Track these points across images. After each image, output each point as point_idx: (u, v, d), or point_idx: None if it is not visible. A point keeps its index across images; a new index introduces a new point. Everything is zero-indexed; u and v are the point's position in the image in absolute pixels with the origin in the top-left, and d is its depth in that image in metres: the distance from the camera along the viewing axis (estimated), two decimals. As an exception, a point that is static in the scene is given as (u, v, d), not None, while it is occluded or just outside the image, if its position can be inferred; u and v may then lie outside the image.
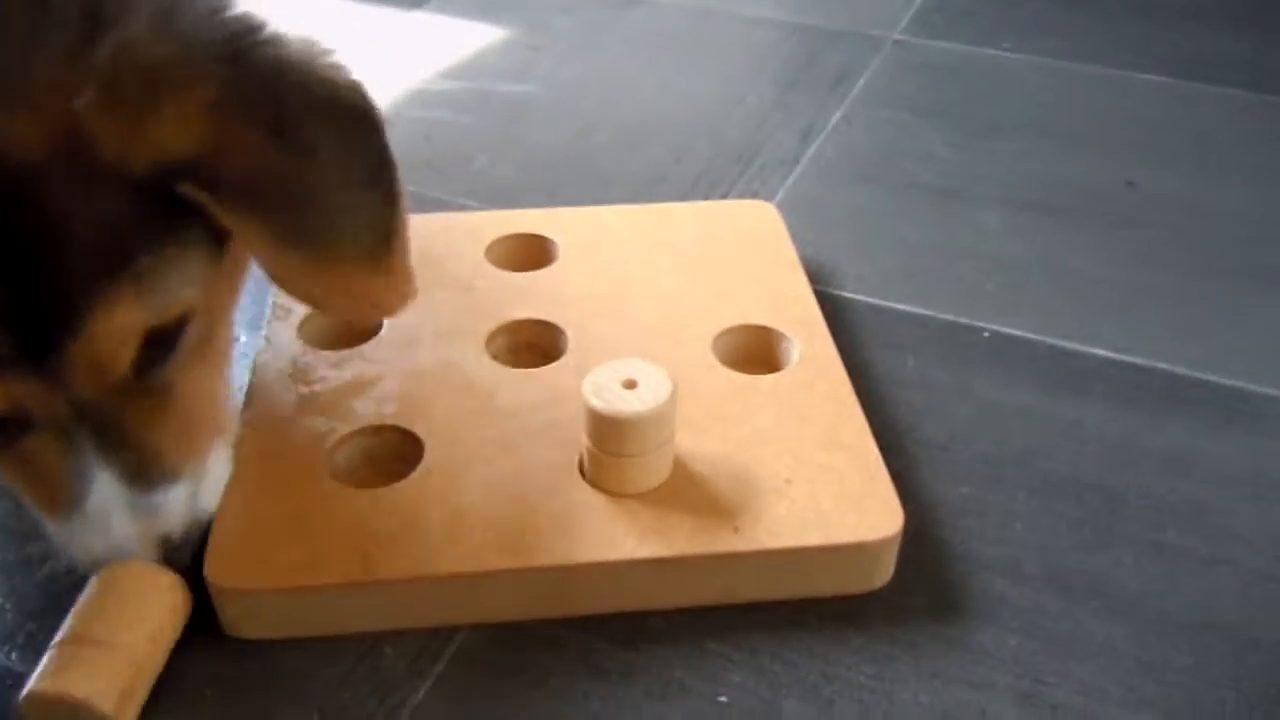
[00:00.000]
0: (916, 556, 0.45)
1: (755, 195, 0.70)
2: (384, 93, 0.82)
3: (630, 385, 0.43)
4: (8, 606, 0.44)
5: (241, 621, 0.42)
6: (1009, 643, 0.43)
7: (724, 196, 0.70)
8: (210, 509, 0.43)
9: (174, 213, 0.36)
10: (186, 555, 0.41)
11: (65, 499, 0.39)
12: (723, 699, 0.41)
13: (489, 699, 0.41)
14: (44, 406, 0.37)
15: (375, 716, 0.40)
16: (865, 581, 0.44)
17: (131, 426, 0.39)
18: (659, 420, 0.43)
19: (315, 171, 0.37)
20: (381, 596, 0.42)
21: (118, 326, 0.36)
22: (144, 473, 0.39)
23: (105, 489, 0.39)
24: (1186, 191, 0.71)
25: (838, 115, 0.79)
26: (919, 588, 0.45)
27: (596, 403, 0.43)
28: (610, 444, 0.43)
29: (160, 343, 0.38)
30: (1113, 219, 0.68)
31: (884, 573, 0.44)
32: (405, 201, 0.40)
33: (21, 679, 0.38)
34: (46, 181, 0.33)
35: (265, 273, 0.39)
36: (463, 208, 0.68)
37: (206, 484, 0.42)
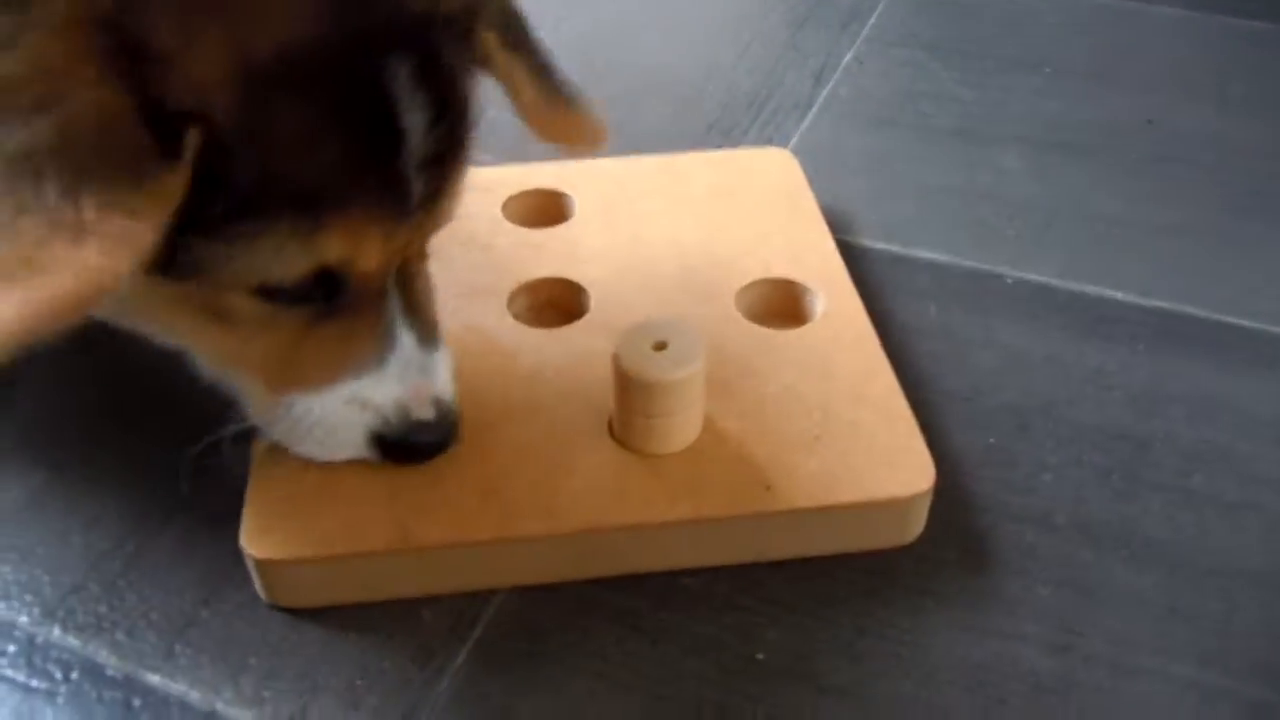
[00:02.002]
0: (945, 508, 0.46)
1: (769, 142, 0.69)
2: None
3: (660, 347, 0.43)
4: (46, 579, 0.44)
5: (280, 590, 0.42)
6: (1040, 593, 0.43)
7: (738, 144, 0.69)
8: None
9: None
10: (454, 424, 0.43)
11: (369, 357, 0.40)
12: (759, 656, 0.41)
13: (528, 661, 0.41)
14: (393, 261, 0.39)
15: (415, 681, 0.40)
16: (897, 536, 0.45)
17: (423, 290, 0.42)
18: (691, 382, 0.43)
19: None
20: (419, 563, 0.42)
21: (465, 183, 0.40)
22: (428, 335, 0.42)
23: (407, 347, 0.41)
24: (1207, 128, 0.70)
25: (849, 56, 0.78)
26: (949, 540, 0.45)
27: (629, 366, 0.42)
28: (642, 406, 0.43)
29: None
30: (1133, 158, 0.67)
31: (915, 527, 0.45)
32: None
33: (67, 652, 0.38)
34: (453, 34, 0.38)
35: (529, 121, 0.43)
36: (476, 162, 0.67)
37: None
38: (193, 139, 0.32)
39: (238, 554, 0.43)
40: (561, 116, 0.44)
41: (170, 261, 0.34)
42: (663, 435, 0.44)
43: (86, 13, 0.31)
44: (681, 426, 0.44)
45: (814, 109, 0.72)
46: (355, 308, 0.39)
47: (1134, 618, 0.42)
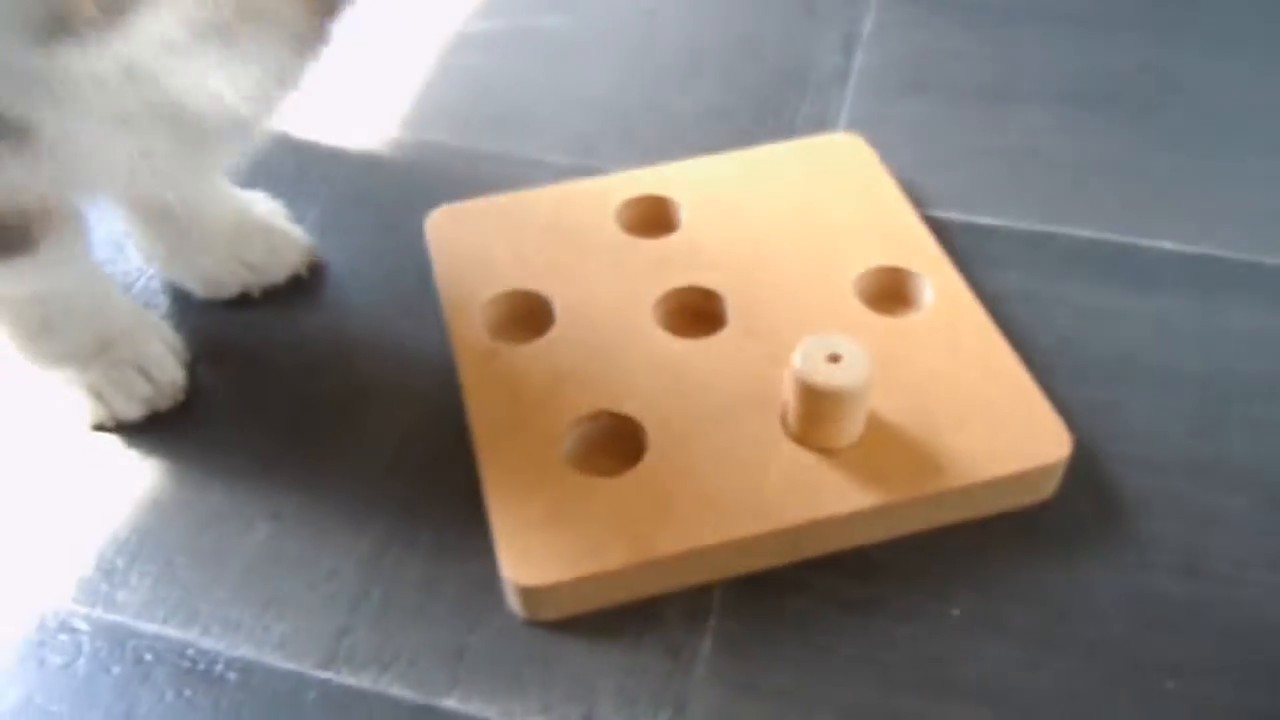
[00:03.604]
0: (1071, 463, 0.54)
1: (821, 119, 0.74)
2: (428, 40, 0.83)
3: (834, 359, 0.49)
4: (313, 627, 0.49)
5: (539, 609, 0.48)
6: (1163, 528, 0.52)
7: (792, 121, 0.74)
8: None
9: None
10: None
11: None
12: (955, 612, 0.49)
13: (765, 644, 0.48)
14: None
15: (675, 672, 0.47)
16: (1041, 493, 0.52)
17: None
18: (867, 388, 0.49)
19: None
20: (655, 571, 0.48)
21: None
22: None
23: None
24: (1210, 72, 0.77)
25: (870, 20, 0.83)
26: (1079, 492, 0.53)
27: (815, 381, 0.49)
28: (826, 412, 0.49)
29: None
30: (1142, 105, 0.75)
31: (1054, 484, 0.53)
32: None
33: (356, 691, 0.44)
34: None
35: None
36: (549, 165, 0.71)
37: None
38: None
39: (480, 579, 0.49)
40: None
41: None
42: (842, 433, 0.51)
43: None
44: (856, 424, 0.51)
45: (851, 80, 0.78)
46: None
47: (1240, 539, 0.51)
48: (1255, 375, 0.58)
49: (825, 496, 0.49)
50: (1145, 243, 0.65)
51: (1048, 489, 0.52)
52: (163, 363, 0.58)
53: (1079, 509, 0.53)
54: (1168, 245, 0.65)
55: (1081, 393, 0.57)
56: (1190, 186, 0.69)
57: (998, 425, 0.52)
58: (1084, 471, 0.54)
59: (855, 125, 0.73)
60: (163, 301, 0.64)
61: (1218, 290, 0.62)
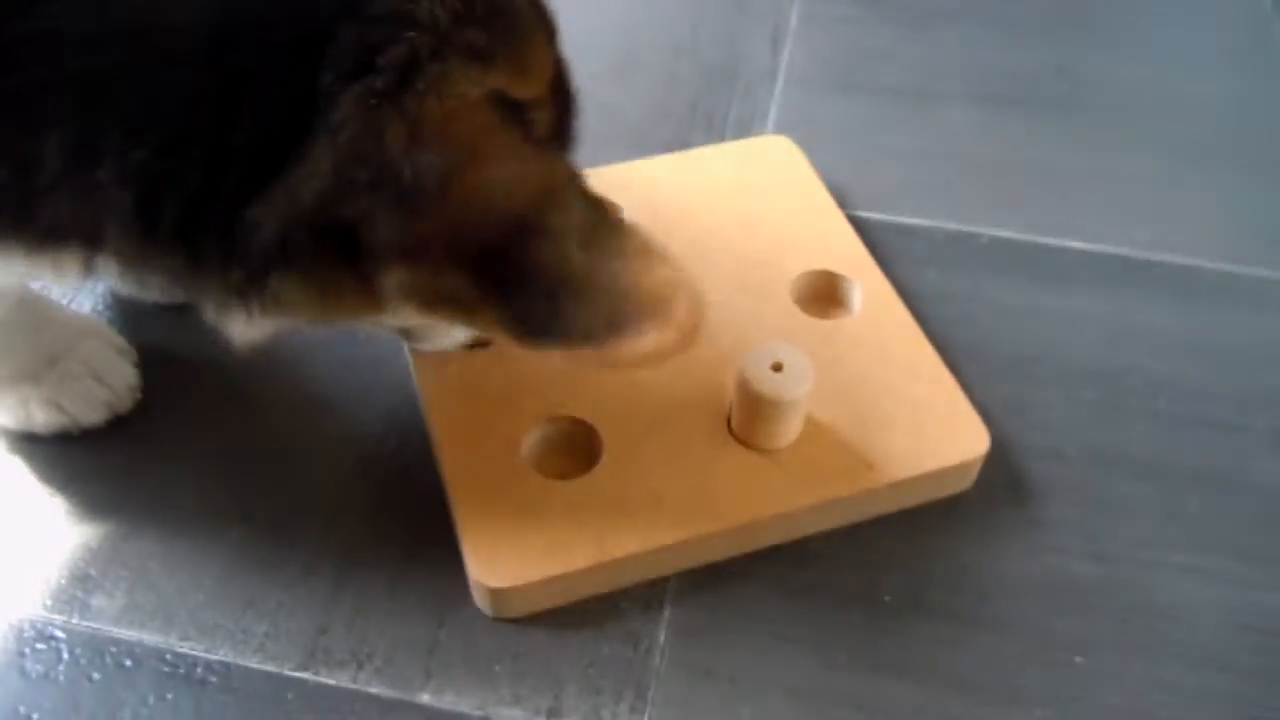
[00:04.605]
0: (988, 455, 0.58)
1: (750, 118, 0.78)
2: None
3: (778, 368, 0.53)
4: (291, 628, 0.52)
5: (505, 607, 0.52)
6: (1071, 515, 0.57)
7: (724, 120, 0.77)
8: None
9: None
10: None
11: None
12: (887, 598, 0.53)
13: (716, 631, 0.52)
14: None
15: (635, 661, 0.51)
16: (962, 486, 0.57)
17: None
18: (807, 395, 0.53)
19: None
20: (614, 569, 0.52)
21: None
22: None
23: None
24: (1120, 74, 0.82)
25: (795, 16, 0.86)
26: (996, 481, 0.58)
27: (762, 389, 0.52)
28: (770, 417, 0.53)
29: None
30: (1054, 106, 0.80)
31: (974, 477, 0.57)
32: None
33: (332, 689, 0.47)
34: None
35: None
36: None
37: None
38: None
39: (448, 577, 0.52)
40: None
41: None
42: (785, 436, 0.54)
43: None
44: (797, 426, 0.55)
45: (780, 78, 0.81)
46: None
47: (1142, 523, 0.57)
48: (1157, 370, 0.63)
49: (769, 496, 0.53)
50: (1056, 242, 0.70)
51: (968, 481, 0.57)
52: (115, 367, 0.60)
53: (996, 499, 0.57)
54: (1077, 245, 0.70)
55: (998, 389, 0.62)
56: (1098, 187, 0.74)
57: (923, 424, 0.56)
58: (1001, 464, 0.59)
59: (784, 123, 0.77)
60: (106, 308, 0.65)
61: (1122, 288, 0.67)
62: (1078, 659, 0.52)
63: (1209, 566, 0.55)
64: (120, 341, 0.61)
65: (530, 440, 0.56)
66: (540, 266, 0.40)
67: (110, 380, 0.59)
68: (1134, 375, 0.63)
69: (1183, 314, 0.66)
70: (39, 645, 0.51)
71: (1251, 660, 0.52)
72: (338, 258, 0.40)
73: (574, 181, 0.43)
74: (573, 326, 0.41)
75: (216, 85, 0.38)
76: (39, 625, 0.52)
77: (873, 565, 0.55)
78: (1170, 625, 0.53)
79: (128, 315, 0.64)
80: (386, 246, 0.39)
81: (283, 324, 0.44)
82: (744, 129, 0.77)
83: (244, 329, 0.44)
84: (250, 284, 0.40)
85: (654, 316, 0.41)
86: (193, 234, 0.40)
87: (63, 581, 0.53)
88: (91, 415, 0.58)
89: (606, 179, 0.67)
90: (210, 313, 0.44)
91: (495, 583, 0.50)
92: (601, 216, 0.43)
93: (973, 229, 0.71)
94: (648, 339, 0.41)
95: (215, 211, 0.39)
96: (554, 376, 0.58)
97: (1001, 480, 0.58)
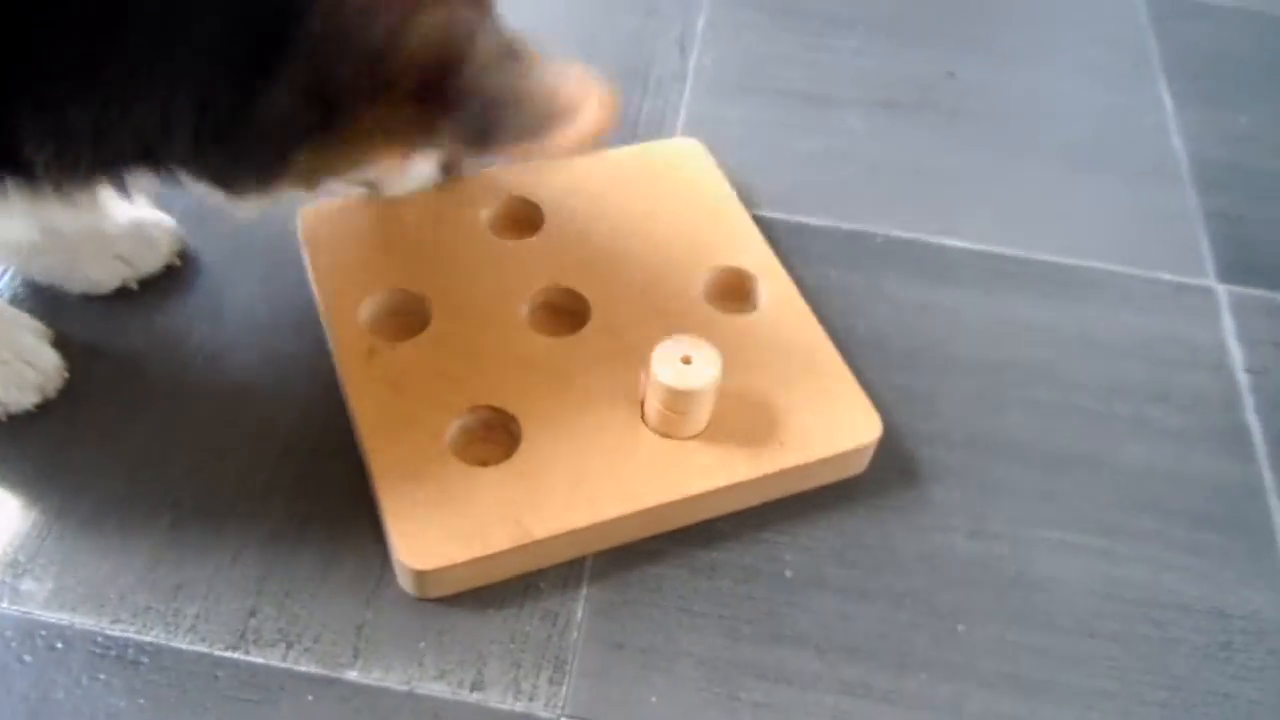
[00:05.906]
0: (881, 441, 0.63)
1: (661, 117, 0.81)
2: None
3: (687, 361, 0.57)
4: (222, 609, 0.54)
5: (429, 588, 0.54)
6: (955, 496, 0.62)
7: (636, 118, 0.81)
8: None
9: None
10: None
11: None
12: (788, 574, 0.58)
13: (630, 606, 0.56)
14: None
15: (553, 637, 0.54)
16: (857, 469, 0.61)
17: None
18: (715, 385, 0.57)
19: None
20: (534, 551, 0.55)
21: None
22: None
23: None
24: (1003, 82, 0.88)
25: (702, 21, 0.90)
26: (888, 465, 0.62)
27: (670, 380, 0.56)
28: (680, 407, 0.57)
29: None
30: (943, 112, 0.85)
31: (867, 461, 0.62)
32: None
33: (265, 667, 0.49)
34: None
35: None
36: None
37: None
38: None
39: (373, 559, 0.55)
40: None
41: None
42: (694, 424, 0.58)
43: None
44: (706, 415, 0.58)
45: (689, 80, 0.84)
46: None
47: (1020, 502, 0.62)
48: (1032, 361, 0.69)
49: (681, 480, 0.57)
50: (942, 241, 0.75)
51: (863, 465, 0.62)
52: (39, 351, 0.61)
53: (888, 481, 0.62)
54: (962, 244, 0.75)
55: (890, 379, 0.67)
56: (982, 189, 0.79)
57: (821, 413, 0.60)
58: (892, 448, 0.63)
59: (693, 125, 0.81)
60: (27, 297, 0.66)
61: (1000, 285, 0.73)
62: (960, 627, 0.56)
63: (1079, 542, 0.60)
64: (39, 326, 0.62)
65: (452, 429, 0.58)
66: (472, 87, 0.49)
67: (39, 364, 0.60)
68: (1013, 366, 0.68)
69: (1056, 309, 0.72)
70: (-33, 631, 0.52)
71: (1114, 626, 0.57)
72: (328, 124, 0.49)
73: (488, 17, 0.52)
74: (511, 130, 0.50)
75: (227, 21, 0.46)
76: (-33, 611, 0.53)
77: (775, 544, 0.59)
78: (1043, 596, 0.58)
79: (44, 304, 0.65)
80: (355, 94, 0.48)
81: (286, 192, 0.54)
82: (655, 130, 0.80)
83: (253, 207, 0.55)
84: (281, 159, 0.51)
85: (577, 109, 0.49)
86: (234, 135, 0.48)
87: (-10, 568, 0.54)
88: (24, 399, 0.59)
89: (521, 179, 0.71)
90: (228, 198, 0.53)
91: (419, 565, 0.53)
92: (513, 41, 0.51)
93: (868, 228, 0.75)
94: (584, 124, 0.49)
95: (245, 114, 0.48)
96: (475, 367, 0.60)
97: (893, 464, 0.63)
